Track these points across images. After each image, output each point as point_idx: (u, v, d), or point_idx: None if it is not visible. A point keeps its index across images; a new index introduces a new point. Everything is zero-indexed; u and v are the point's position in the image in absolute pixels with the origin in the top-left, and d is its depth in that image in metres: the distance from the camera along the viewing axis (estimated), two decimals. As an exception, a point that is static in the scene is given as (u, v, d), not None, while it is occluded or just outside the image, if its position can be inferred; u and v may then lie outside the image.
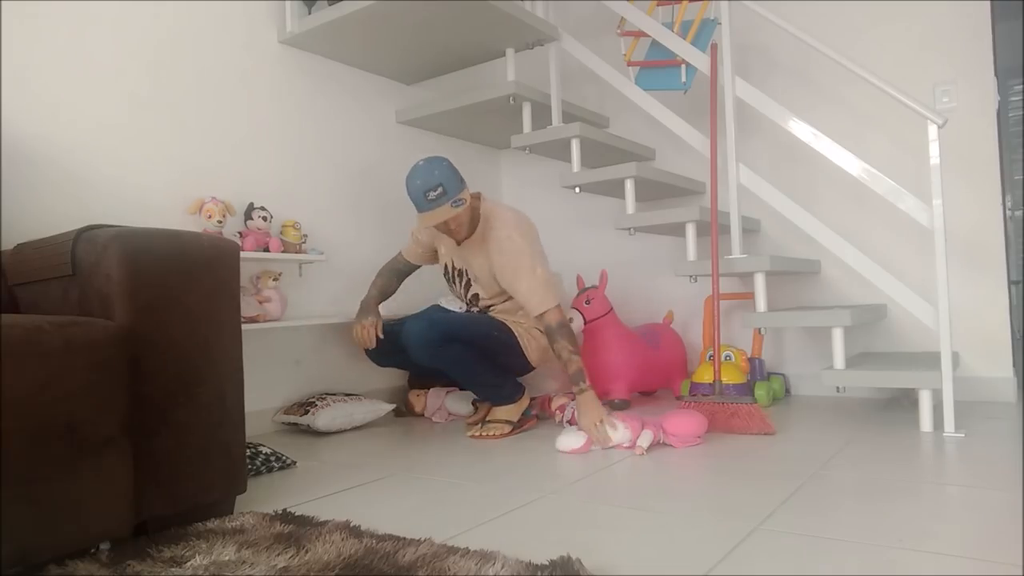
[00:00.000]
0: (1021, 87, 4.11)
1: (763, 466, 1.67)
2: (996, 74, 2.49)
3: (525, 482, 1.62)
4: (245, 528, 1.30)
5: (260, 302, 2.30)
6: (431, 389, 2.65)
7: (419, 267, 2.52)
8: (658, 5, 2.68)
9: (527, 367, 2.35)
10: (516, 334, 2.28)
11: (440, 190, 2.05)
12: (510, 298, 2.28)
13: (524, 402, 2.29)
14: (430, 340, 2.13)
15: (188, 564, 1.12)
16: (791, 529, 1.23)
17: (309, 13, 2.60)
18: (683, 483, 1.56)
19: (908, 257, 2.62)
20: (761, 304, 2.31)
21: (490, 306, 2.35)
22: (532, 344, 2.30)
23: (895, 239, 2.65)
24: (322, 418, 2.28)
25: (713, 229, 2.34)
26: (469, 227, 2.22)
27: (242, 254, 2.17)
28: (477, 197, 2.26)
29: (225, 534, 1.27)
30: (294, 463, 1.89)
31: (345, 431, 2.37)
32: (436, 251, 2.44)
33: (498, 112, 2.90)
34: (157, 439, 1.27)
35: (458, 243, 2.27)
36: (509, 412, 2.24)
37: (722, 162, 2.58)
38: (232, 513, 1.43)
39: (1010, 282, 2.49)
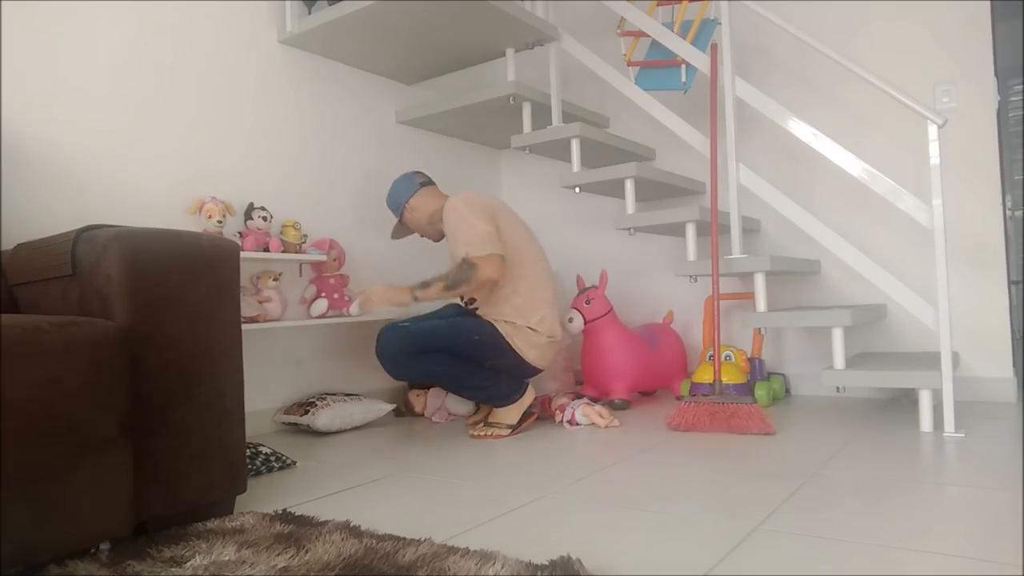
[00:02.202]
0: (1021, 87, 4.11)
1: (763, 466, 1.67)
2: (996, 74, 2.49)
3: (525, 482, 1.62)
4: (245, 528, 1.30)
5: (260, 302, 2.30)
6: (431, 389, 2.65)
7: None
8: (658, 5, 2.68)
9: (528, 367, 2.28)
10: (504, 334, 2.21)
11: (392, 209, 2.47)
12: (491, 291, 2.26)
13: (526, 400, 2.26)
14: (399, 353, 2.13)
15: (188, 564, 1.12)
16: (791, 529, 1.23)
17: (309, 13, 2.60)
18: (683, 483, 1.55)
19: (908, 257, 2.62)
20: (761, 304, 2.31)
21: (471, 301, 2.34)
22: (525, 343, 2.23)
23: (895, 239, 2.65)
24: (322, 418, 2.28)
25: (713, 229, 2.34)
26: (429, 228, 2.45)
27: (242, 254, 2.17)
28: (429, 196, 2.39)
29: (225, 534, 1.27)
30: (294, 463, 1.89)
31: (345, 431, 2.37)
32: None
33: (498, 112, 2.90)
34: (157, 439, 1.27)
35: (435, 241, 2.52)
36: (509, 412, 2.23)
37: (722, 162, 2.58)
38: (232, 513, 1.43)
39: (1010, 282, 2.49)
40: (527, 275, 2.26)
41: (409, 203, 2.43)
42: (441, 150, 3.30)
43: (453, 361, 2.16)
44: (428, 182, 2.47)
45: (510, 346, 2.22)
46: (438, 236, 2.48)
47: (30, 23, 1.93)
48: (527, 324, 2.23)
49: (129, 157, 2.14)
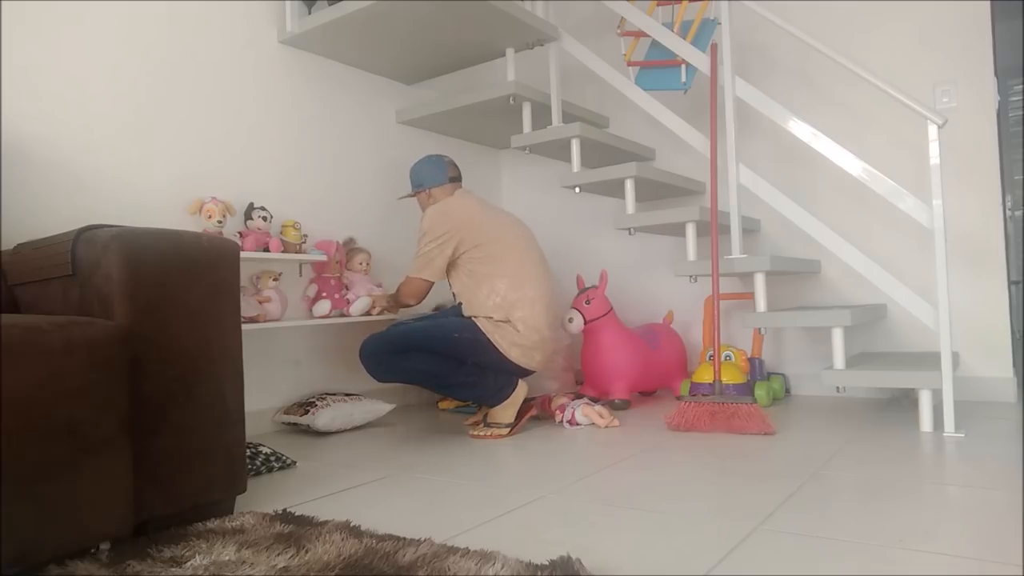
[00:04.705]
0: (1021, 87, 4.11)
1: (763, 466, 1.67)
2: (996, 74, 2.49)
3: (525, 482, 1.62)
4: (245, 528, 1.30)
5: (260, 302, 2.30)
6: None
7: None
8: (658, 5, 2.68)
9: (511, 365, 2.22)
10: (484, 331, 2.18)
11: (412, 182, 2.51)
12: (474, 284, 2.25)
13: (518, 396, 2.23)
14: (378, 353, 2.17)
15: (188, 564, 1.12)
16: (791, 529, 1.23)
17: (309, 13, 2.60)
18: (683, 483, 1.56)
19: (908, 257, 2.62)
20: (761, 304, 2.31)
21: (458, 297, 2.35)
22: (506, 341, 2.19)
23: (895, 239, 2.65)
24: (322, 418, 2.28)
25: (713, 229, 2.34)
26: None
27: (242, 254, 2.17)
28: (445, 192, 2.41)
29: (225, 534, 1.27)
30: (294, 463, 1.89)
31: (345, 431, 2.37)
32: None
33: (498, 112, 2.90)
34: (157, 439, 1.27)
35: None
36: (504, 411, 2.22)
37: (722, 162, 2.58)
38: (232, 513, 1.43)
39: (1010, 282, 2.49)
40: (507, 273, 2.22)
41: (432, 191, 2.44)
42: (441, 150, 3.29)
43: (434, 359, 2.15)
44: (457, 177, 2.46)
45: (491, 343, 2.18)
46: None
47: (31, 23, 1.93)
48: (506, 320, 2.20)
49: (129, 157, 2.14)
